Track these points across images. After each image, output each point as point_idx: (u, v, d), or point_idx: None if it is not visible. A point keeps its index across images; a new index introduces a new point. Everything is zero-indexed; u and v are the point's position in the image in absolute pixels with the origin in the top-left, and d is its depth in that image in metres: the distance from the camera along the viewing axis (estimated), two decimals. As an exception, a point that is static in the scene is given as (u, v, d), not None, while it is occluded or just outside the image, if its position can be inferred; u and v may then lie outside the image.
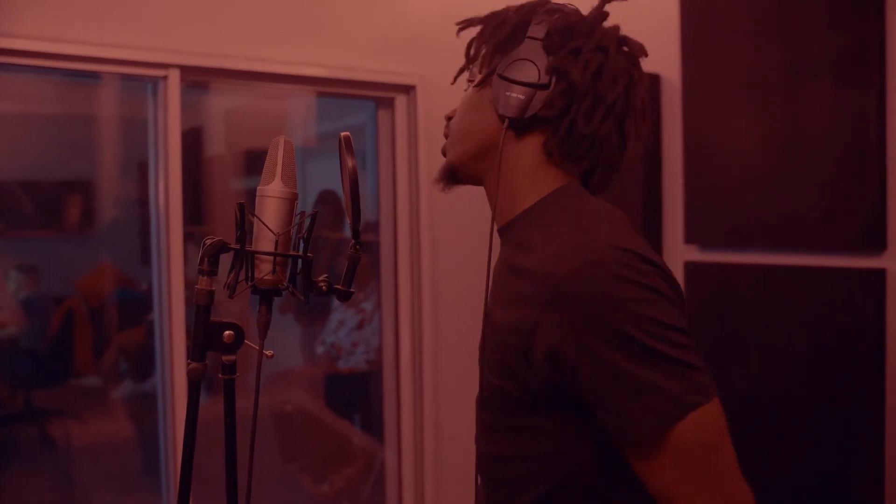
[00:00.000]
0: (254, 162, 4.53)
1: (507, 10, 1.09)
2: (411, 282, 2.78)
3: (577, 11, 1.08)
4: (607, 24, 1.08)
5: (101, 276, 4.78)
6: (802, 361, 2.00)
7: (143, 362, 4.61)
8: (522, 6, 1.08)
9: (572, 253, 0.89)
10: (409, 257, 2.79)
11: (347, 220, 0.98)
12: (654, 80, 2.32)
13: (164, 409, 2.41)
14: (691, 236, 2.27)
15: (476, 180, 1.12)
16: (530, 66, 1.00)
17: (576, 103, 1.00)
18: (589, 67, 1.00)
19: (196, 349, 0.93)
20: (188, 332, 2.39)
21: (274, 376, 3.49)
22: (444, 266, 2.76)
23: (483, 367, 1.01)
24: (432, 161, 2.71)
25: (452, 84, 1.24)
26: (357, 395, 3.30)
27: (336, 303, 3.30)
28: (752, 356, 2.11)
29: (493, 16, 1.10)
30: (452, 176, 1.12)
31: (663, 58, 2.30)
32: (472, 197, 1.33)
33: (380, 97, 2.77)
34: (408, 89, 2.73)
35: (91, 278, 4.77)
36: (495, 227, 1.08)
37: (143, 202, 4.87)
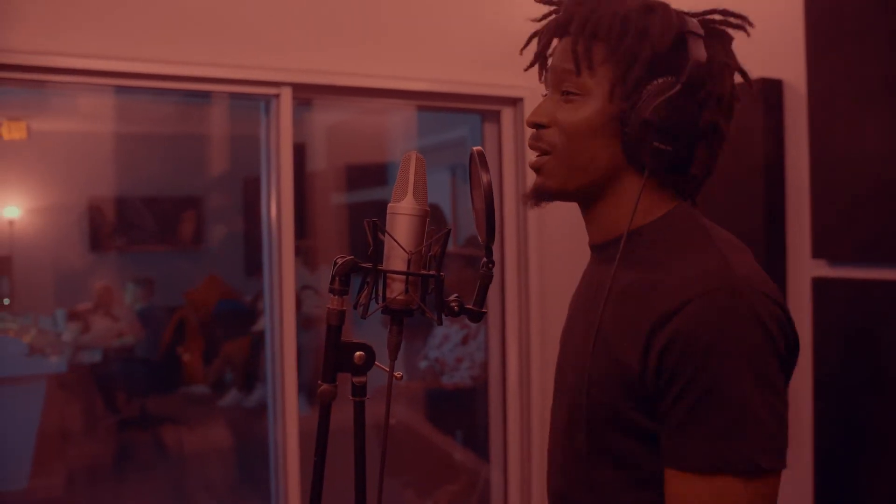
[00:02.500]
0: (355, 177, 4.60)
1: (638, 21, 0.93)
2: (518, 297, 2.73)
3: (716, 43, 0.96)
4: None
5: (208, 288, 4.96)
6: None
7: (248, 373, 4.74)
8: (652, 21, 0.93)
9: (712, 278, 0.87)
10: (517, 272, 2.74)
11: (479, 238, 0.95)
12: (777, 85, 2.20)
13: (274, 421, 2.44)
14: (819, 251, 2.13)
15: (575, 200, 1.06)
16: (681, 112, 0.91)
17: (714, 152, 0.97)
18: (730, 116, 0.97)
19: (327, 370, 0.91)
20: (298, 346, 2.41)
21: (378, 391, 3.49)
22: (551, 281, 2.70)
23: (584, 383, 0.95)
24: (539, 174, 2.65)
25: (527, 70, 1.15)
26: (460, 411, 3.27)
27: (440, 317, 3.28)
28: (887, 379, 1.96)
29: (620, 20, 0.94)
30: (552, 198, 1.06)
31: (787, 62, 2.17)
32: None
33: (485, 110, 2.74)
34: (514, 102, 2.70)
35: (199, 290, 4.95)
36: (593, 244, 1.08)
37: (248, 217, 5.03)
